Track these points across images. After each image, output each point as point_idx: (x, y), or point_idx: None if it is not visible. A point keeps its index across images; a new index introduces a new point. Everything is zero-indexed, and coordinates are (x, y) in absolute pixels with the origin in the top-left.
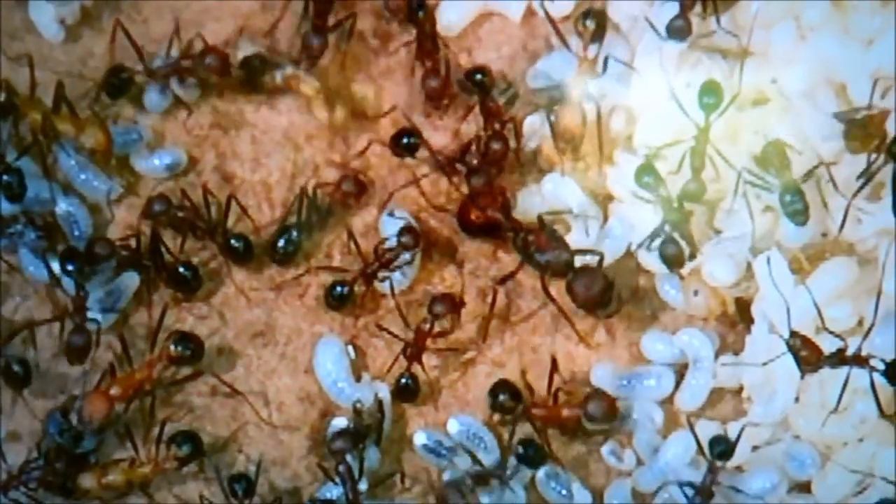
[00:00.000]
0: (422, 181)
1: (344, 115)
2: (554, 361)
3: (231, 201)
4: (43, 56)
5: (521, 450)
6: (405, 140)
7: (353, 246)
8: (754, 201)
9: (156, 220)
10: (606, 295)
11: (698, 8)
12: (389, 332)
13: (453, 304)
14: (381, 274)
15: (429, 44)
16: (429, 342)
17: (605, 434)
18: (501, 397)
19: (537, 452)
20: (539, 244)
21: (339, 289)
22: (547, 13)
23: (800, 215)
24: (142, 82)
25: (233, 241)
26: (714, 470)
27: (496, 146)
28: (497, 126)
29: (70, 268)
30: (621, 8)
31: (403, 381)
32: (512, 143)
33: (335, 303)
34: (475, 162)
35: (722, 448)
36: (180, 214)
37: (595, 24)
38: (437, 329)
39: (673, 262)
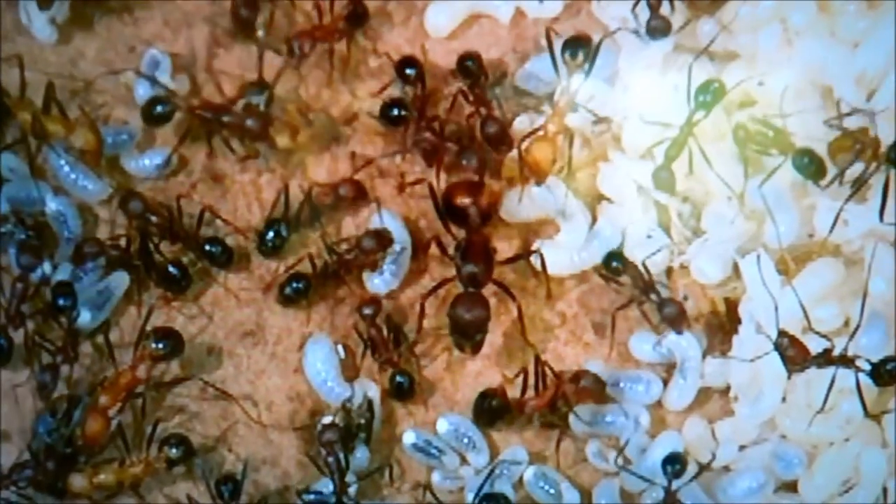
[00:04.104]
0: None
1: (307, 137)
2: (538, 359)
3: (204, 211)
4: (33, 57)
5: None
6: (394, 111)
7: (339, 243)
8: (740, 203)
9: (131, 217)
10: (480, 327)
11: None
12: (360, 336)
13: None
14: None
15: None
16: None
17: (592, 433)
18: (493, 403)
19: None
20: (468, 254)
21: (294, 284)
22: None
23: (816, 172)
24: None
25: (208, 247)
26: (670, 493)
27: (491, 129)
28: (485, 112)
29: (62, 303)
30: (608, 9)
31: (398, 379)
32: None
33: (286, 298)
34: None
35: (677, 467)
36: (154, 220)
37: (583, 55)
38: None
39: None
